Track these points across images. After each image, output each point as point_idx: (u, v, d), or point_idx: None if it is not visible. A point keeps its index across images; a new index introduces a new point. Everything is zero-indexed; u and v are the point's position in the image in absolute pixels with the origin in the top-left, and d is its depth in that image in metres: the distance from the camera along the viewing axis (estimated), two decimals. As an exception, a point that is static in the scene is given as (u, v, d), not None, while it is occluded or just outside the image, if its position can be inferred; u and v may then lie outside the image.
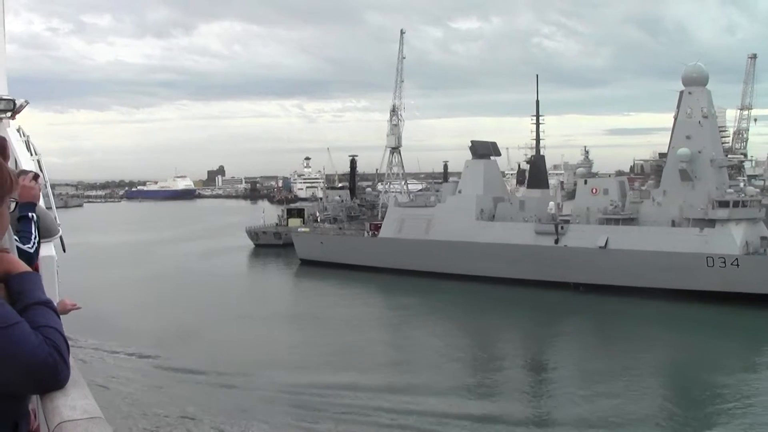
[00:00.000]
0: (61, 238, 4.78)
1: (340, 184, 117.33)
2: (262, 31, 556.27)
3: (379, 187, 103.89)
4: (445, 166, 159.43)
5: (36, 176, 4.06)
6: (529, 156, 65.11)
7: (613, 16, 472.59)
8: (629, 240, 52.81)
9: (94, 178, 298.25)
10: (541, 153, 64.37)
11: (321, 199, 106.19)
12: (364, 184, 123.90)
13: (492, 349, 40.06)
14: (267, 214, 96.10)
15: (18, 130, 6.81)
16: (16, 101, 6.61)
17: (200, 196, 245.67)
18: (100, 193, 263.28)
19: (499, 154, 66.94)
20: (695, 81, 54.60)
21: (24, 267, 2.47)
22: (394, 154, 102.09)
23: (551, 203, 58.01)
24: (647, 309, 46.25)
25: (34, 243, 3.82)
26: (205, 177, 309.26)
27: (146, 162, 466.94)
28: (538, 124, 62.79)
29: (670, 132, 55.78)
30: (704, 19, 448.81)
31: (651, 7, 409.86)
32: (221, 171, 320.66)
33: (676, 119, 55.79)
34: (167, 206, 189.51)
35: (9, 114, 6.54)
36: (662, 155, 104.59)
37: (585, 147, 70.84)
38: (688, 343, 40.07)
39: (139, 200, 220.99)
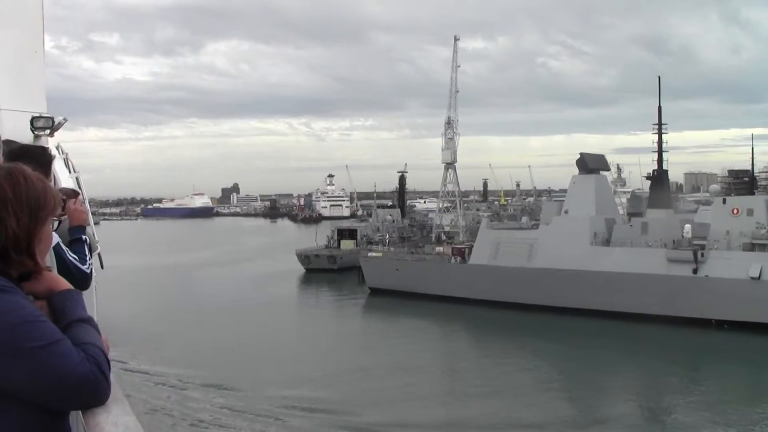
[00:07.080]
0: (99, 254, 4.73)
1: (389, 203, 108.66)
2: (269, 50, 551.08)
3: (433, 205, 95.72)
4: (485, 184, 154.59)
5: (76, 194, 4.18)
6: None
7: (618, 36, 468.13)
8: (790, 270, 44.45)
9: (105, 195, 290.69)
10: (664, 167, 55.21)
11: (370, 218, 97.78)
12: (387, 202, 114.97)
13: (622, 403, 33.00)
14: (319, 235, 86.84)
15: (57, 148, 6.62)
16: (55, 119, 6.52)
17: (218, 214, 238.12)
18: (115, 210, 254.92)
19: (608, 168, 58.22)
20: None
21: (66, 285, 2.39)
22: (449, 170, 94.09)
23: (687, 226, 49.26)
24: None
25: (89, 264, 3.86)
26: (218, 194, 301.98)
27: (156, 179, 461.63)
28: (660, 134, 53.66)
29: None
30: (710, 40, 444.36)
31: (657, 28, 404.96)
32: (236, 188, 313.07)
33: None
34: (187, 224, 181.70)
35: (48, 131, 6.37)
36: (732, 172, 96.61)
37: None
38: None
39: (156, 218, 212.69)
